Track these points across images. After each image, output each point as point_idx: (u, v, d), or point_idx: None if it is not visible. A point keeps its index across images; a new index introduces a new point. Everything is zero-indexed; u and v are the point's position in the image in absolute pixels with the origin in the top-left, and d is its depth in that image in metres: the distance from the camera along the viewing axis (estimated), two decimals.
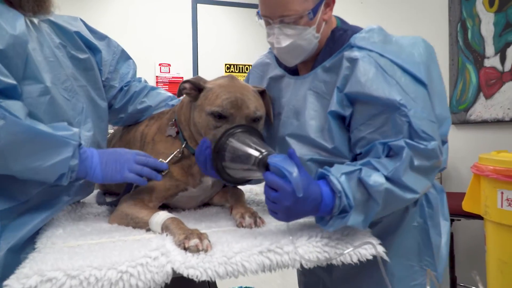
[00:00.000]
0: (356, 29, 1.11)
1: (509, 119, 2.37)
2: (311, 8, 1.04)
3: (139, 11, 4.38)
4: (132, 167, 1.03)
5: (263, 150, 0.93)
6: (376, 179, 0.90)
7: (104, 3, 4.25)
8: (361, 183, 0.90)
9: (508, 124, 2.42)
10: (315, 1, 1.04)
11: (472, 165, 1.94)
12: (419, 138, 0.93)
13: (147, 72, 4.32)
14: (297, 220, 0.95)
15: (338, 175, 0.90)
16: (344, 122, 1.06)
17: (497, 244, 1.82)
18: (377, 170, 0.92)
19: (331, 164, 0.97)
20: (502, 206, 1.73)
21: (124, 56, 1.39)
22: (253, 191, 1.50)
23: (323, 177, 0.94)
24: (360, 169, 0.91)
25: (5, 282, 0.72)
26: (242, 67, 4.95)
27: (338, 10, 1.19)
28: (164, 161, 1.12)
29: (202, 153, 1.04)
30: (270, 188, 0.88)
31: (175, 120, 1.21)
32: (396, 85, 0.97)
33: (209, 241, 0.86)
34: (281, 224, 1.03)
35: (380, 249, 0.93)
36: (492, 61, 2.43)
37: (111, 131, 1.69)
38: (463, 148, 2.66)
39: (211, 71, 4.52)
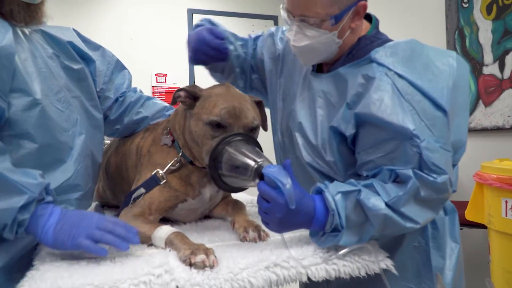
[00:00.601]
0: (384, 41, 1.04)
1: (509, 126, 2.36)
2: (335, 14, 0.97)
3: (134, 21, 4.36)
4: (92, 233, 0.85)
5: (258, 160, 0.91)
6: (375, 203, 0.87)
7: (99, 14, 4.23)
8: (359, 204, 0.88)
9: (508, 132, 2.41)
10: (341, 8, 0.98)
11: (475, 174, 1.92)
12: (429, 170, 0.89)
13: (143, 82, 4.30)
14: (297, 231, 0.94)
15: (334, 193, 0.88)
16: (346, 139, 1.02)
17: (502, 254, 1.79)
18: (377, 194, 0.89)
19: (326, 175, 0.95)
20: (506, 215, 1.71)
21: (118, 66, 1.37)
22: (254, 202, 1.47)
23: (319, 192, 0.92)
24: (360, 191, 0.89)
25: None
26: None
27: None
28: (161, 172, 1.10)
29: None
30: (262, 199, 0.88)
31: (169, 128, 1.19)
32: (411, 111, 0.91)
33: (215, 256, 0.83)
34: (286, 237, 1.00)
35: (389, 263, 0.92)
36: (491, 69, 2.43)
37: (107, 142, 1.66)
38: (463, 157, 2.65)
39: (208, 80, 4.49)
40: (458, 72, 0.99)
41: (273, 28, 1.40)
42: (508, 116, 2.37)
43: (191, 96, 1.11)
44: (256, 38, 1.44)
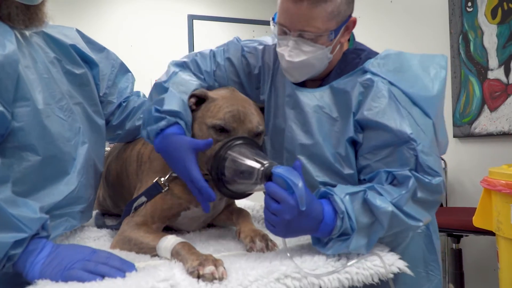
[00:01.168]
0: (370, 53, 1.07)
1: None
2: (334, 28, 0.99)
3: (134, 27, 4.34)
4: (85, 264, 0.79)
5: (265, 162, 0.88)
6: (382, 201, 0.88)
7: (98, 20, 4.21)
8: (367, 204, 0.88)
9: None
10: (338, 23, 0.99)
11: (482, 180, 1.88)
12: (424, 172, 0.92)
13: (142, 88, 4.22)
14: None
15: (342, 195, 0.88)
16: (356, 148, 1.03)
17: (511, 261, 1.75)
18: (381, 195, 0.90)
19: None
20: None
21: (123, 70, 1.33)
22: (255, 208, 1.43)
23: (325, 197, 0.91)
24: (365, 191, 0.89)
25: None
26: None
27: None
28: (163, 179, 1.07)
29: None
30: (271, 199, 0.84)
31: None
32: (408, 116, 0.95)
33: (224, 268, 0.78)
34: (292, 245, 0.98)
35: (401, 265, 0.90)
36: (496, 73, 2.40)
37: (107, 148, 1.62)
38: (467, 162, 2.62)
39: None
40: (445, 75, 1.03)
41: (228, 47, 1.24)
42: None
43: (199, 100, 1.08)
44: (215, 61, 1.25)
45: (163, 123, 1.01)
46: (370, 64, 1.01)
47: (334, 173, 1.04)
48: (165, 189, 1.07)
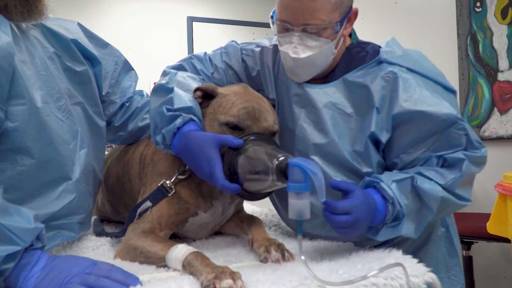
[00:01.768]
0: (375, 46, 1.05)
1: None
2: (338, 20, 0.96)
3: (133, 29, 4.28)
4: (85, 277, 0.71)
5: (279, 155, 0.79)
6: (431, 187, 0.89)
7: (97, 21, 4.14)
8: (415, 190, 0.89)
9: None
10: (342, 14, 0.97)
11: (497, 184, 1.81)
12: (473, 147, 0.94)
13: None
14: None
15: (389, 182, 0.88)
16: (378, 146, 1.00)
17: None
18: (429, 179, 0.90)
19: None
20: None
21: (126, 67, 1.25)
22: (262, 213, 1.36)
23: (371, 185, 0.91)
24: (413, 177, 0.90)
25: None
26: None
27: None
28: (169, 182, 0.99)
29: None
30: (337, 214, 0.81)
31: None
32: (442, 99, 0.95)
33: (242, 281, 0.70)
34: (312, 256, 0.91)
35: (433, 276, 0.82)
36: (507, 75, 2.34)
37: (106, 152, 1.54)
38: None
39: None
40: None
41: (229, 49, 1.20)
42: None
43: (205, 95, 1.01)
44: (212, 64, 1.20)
45: (179, 121, 0.95)
46: (385, 54, 1.00)
47: (351, 172, 1.00)
48: (172, 192, 1.00)
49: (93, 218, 1.35)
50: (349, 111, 1.00)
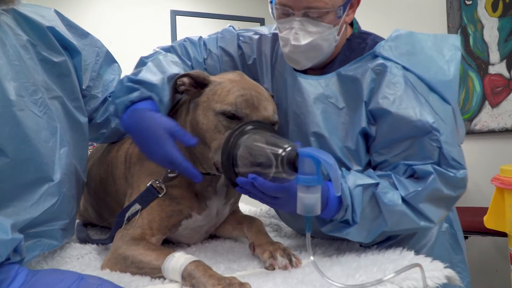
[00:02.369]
0: (377, 38, 1.00)
1: None
2: (341, 4, 0.91)
3: (113, 23, 4.14)
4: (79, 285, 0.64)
5: (286, 145, 0.71)
6: (392, 197, 0.83)
7: (77, 15, 3.99)
8: (375, 198, 0.84)
9: None
10: None
11: (493, 178, 1.78)
12: (448, 165, 0.85)
13: None
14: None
15: (353, 185, 0.82)
16: (367, 142, 0.94)
17: None
18: (395, 188, 0.84)
19: None
20: None
21: (108, 59, 1.15)
22: (256, 213, 1.28)
23: None
24: (378, 184, 0.84)
25: None
26: None
27: None
28: (158, 181, 0.92)
29: None
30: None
31: None
32: (426, 104, 0.87)
33: None
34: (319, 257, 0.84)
35: (452, 272, 0.76)
36: (498, 68, 2.32)
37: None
38: (468, 160, 2.51)
39: None
40: (459, 56, 0.95)
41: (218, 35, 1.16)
42: None
43: (196, 83, 0.92)
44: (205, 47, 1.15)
45: (135, 95, 0.90)
46: (381, 48, 0.93)
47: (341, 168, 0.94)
48: (162, 193, 0.92)
49: (76, 222, 1.26)
50: (341, 106, 0.95)
